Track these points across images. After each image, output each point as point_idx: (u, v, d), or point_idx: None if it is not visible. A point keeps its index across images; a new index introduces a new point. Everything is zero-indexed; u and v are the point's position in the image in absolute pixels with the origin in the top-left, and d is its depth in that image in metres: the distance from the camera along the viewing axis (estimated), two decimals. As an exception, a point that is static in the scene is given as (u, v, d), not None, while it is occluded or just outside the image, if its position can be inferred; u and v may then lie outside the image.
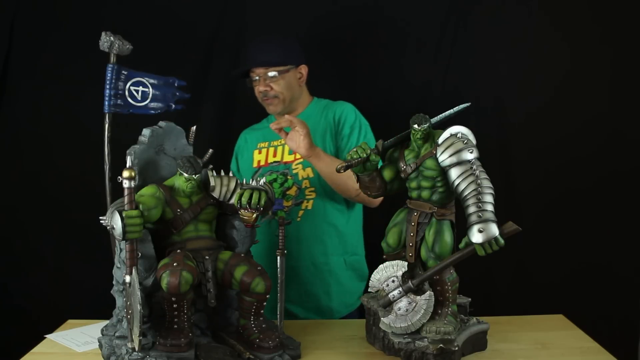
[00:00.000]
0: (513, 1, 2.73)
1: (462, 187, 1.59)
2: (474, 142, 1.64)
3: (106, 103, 2.08)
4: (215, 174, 1.80)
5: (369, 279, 1.78)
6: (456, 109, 1.80)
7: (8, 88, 2.83)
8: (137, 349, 1.61)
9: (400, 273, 1.72)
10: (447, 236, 1.69)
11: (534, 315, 2.08)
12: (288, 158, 2.32)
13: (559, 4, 2.71)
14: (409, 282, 1.69)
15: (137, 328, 1.58)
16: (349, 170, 2.16)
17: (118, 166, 1.74)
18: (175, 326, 1.66)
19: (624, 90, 2.70)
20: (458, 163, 1.61)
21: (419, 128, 1.69)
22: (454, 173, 1.62)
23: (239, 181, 1.79)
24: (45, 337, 1.98)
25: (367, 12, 2.81)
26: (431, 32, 2.78)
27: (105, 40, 2.06)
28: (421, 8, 2.77)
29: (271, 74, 2.31)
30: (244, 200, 1.69)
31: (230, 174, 1.81)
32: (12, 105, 2.84)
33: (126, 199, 1.60)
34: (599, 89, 2.72)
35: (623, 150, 2.70)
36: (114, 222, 1.59)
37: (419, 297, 1.69)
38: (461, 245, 1.60)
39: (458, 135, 1.64)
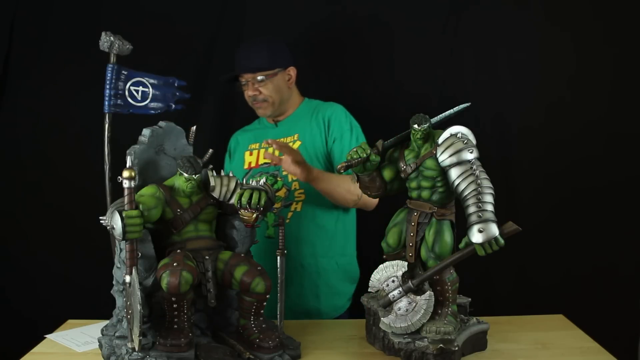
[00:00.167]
0: (513, 6, 2.73)
1: (462, 187, 1.59)
2: (474, 142, 1.64)
3: (106, 103, 2.08)
4: (215, 174, 1.80)
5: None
6: (456, 109, 1.80)
7: (8, 88, 2.83)
8: (137, 349, 1.61)
9: (400, 273, 1.72)
10: (447, 236, 1.69)
11: (534, 315, 2.08)
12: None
13: (560, 9, 2.71)
14: (409, 282, 1.69)
15: (137, 328, 1.58)
16: (348, 184, 2.19)
17: (118, 166, 1.74)
18: (175, 326, 1.66)
19: (625, 94, 2.71)
20: (458, 163, 1.61)
21: (419, 128, 1.69)
22: (454, 173, 1.62)
23: (239, 181, 1.79)
24: (45, 337, 1.98)
25: (367, 12, 2.81)
26: (430, 37, 2.77)
27: (105, 40, 2.06)
28: (421, 9, 2.77)
29: (259, 78, 2.32)
30: (244, 200, 1.69)
31: (230, 174, 1.81)
32: (12, 105, 2.84)
33: (126, 199, 1.60)
34: (599, 93, 2.72)
35: (622, 154, 2.71)
36: (114, 222, 1.59)
37: (419, 297, 1.69)
38: (461, 245, 1.60)
39: (458, 135, 1.64)
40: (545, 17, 2.72)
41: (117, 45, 2.06)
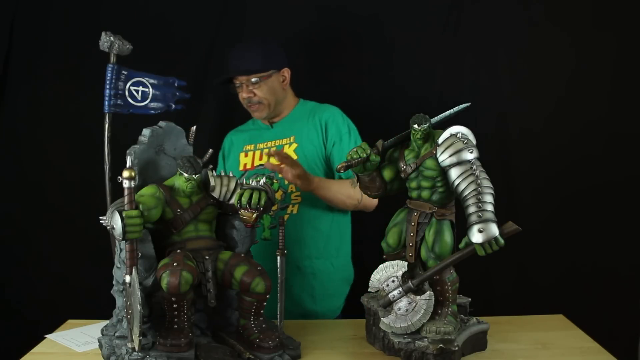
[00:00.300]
0: (513, 8, 2.73)
1: (462, 187, 1.59)
2: (474, 142, 1.64)
3: (106, 103, 2.08)
4: (215, 174, 1.80)
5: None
6: (456, 108, 1.80)
7: (8, 88, 2.83)
8: (137, 349, 1.61)
9: (400, 273, 1.72)
10: (447, 236, 1.69)
11: (534, 315, 2.08)
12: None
13: (560, 11, 2.71)
14: (409, 282, 1.69)
15: (137, 328, 1.58)
16: (348, 189, 2.21)
17: (118, 166, 1.74)
18: (175, 326, 1.66)
19: (624, 95, 2.71)
20: (458, 163, 1.61)
21: (419, 128, 1.69)
22: (454, 173, 1.62)
23: (239, 181, 1.79)
24: (45, 337, 1.98)
25: (366, 13, 2.81)
26: (429, 38, 2.78)
27: (105, 40, 2.06)
28: (420, 10, 2.77)
29: (253, 80, 2.31)
30: (244, 200, 1.69)
31: (230, 174, 1.81)
32: (12, 104, 2.84)
33: (126, 199, 1.60)
34: (599, 94, 2.72)
35: (622, 154, 2.71)
36: (114, 222, 1.59)
37: (419, 297, 1.69)
38: (461, 245, 1.60)
39: (458, 135, 1.64)
40: (545, 18, 2.73)
41: (117, 45, 2.06)
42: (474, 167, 1.60)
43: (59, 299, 2.79)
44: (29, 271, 2.88)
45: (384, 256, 1.81)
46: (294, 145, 2.35)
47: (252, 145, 2.42)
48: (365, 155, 1.73)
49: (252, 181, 1.78)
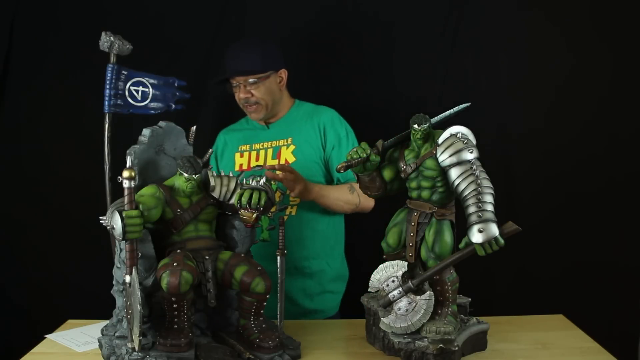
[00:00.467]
0: (513, 9, 2.73)
1: (462, 187, 1.59)
2: (474, 142, 1.64)
3: (106, 103, 2.08)
4: (215, 174, 1.80)
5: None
6: (456, 108, 1.80)
7: (8, 88, 2.83)
8: (137, 349, 1.61)
9: (400, 273, 1.72)
10: (447, 236, 1.69)
11: (534, 315, 2.08)
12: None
13: (559, 13, 2.71)
14: (409, 282, 1.69)
15: (137, 328, 1.58)
16: (347, 195, 2.23)
17: (118, 166, 1.74)
18: (175, 326, 1.66)
19: (623, 96, 2.71)
20: (458, 163, 1.61)
21: (419, 128, 1.69)
22: (454, 173, 1.62)
23: (238, 181, 1.79)
24: (45, 337, 1.98)
25: (366, 14, 2.81)
26: (429, 39, 2.78)
27: (105, 40, 2.06)
28: (420, 12, 2.77)
29: (251, 80, 2.29)
30: (244, 200, 1.69)
31: (230, 174, 1.81)
32: (12, 104, 2.84)
33: (126, 199, 1.60)
34: (598, 95, 2.73)
35: (622, 155, 2.71)
36: (114, 222, 1.59)
37: (419, 297, 1.69)
38: (461, 245, 1.60)
39: (458, 135, 1.64)
40: (545, 19, 2.73)
41: (117, 45, 2.06)
42: (474, 167, 1.60)
43: (59, 299, 2.79)
44: (29, 271, 2.88)
45: (384, 256, 1.81)
46: (292, 147, 2.34)
47: (248, 146, 2.40)
48: (365, 155, 1.73)
49: (252, 181, 1.78)
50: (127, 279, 1.61)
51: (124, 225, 1.56)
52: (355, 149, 1.75)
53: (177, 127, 1.86)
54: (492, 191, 1.58)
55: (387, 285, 1.72)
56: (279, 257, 1.86)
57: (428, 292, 1.68)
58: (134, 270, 1.61)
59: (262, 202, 1.70)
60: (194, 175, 1.72)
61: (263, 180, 1.79)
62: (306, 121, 2.39)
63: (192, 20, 2.82)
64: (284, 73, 2.39)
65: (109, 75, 2.06)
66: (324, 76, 2.81)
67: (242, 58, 2.31)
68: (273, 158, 2.33)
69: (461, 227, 1.63)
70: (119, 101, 2.09)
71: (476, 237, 1.54)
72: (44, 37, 2.80)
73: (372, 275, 1.76)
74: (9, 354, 2.00)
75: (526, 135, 2.77)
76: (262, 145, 2.37)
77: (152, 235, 1.72)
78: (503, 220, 1.57)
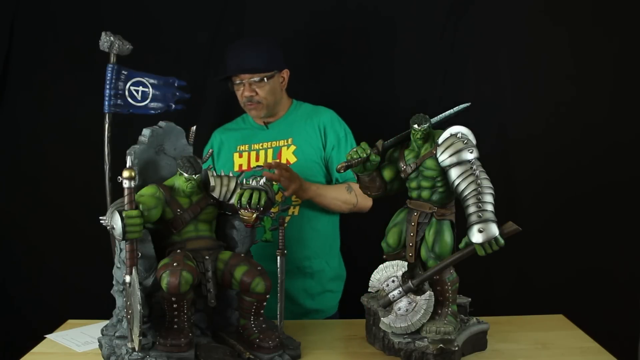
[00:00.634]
0: (513, 11, 2.73)
1: (462, 187, 1.59)
2: (474, 142, 1.64)
3: (106, 103, 2.08)
4: (215, 174, 1.80)
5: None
6: (456, 108, 1.80)
7: (8, 88, 2.83)
8: (137, 349, 1.61)
9: (400, 273, 1.72)
10: (447, 236, 1.69)
11: (534, 315, 2.08)
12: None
13: (560, 15, 2.71)
14: (409, 282, 1.69)
15: (137, 328, 1.58)
16: (345, 195, 2.24)
17: (118, 166, 1.74)
18: (175, 326, 1.66)
19: (625, 97, 2.71)
20: (458, 163, 1.61)
21: (419, 128, 1.69)
22: (454, 173, 1.62)
23: (239, 181, 1.79)
24: (45, 337, 1.98)
25: (366, 14, 2.81)
26: (430, 39, 2.78)
27: (105, 40, 2.06)
28: (419, 13, 2.77)
29: (256, 79, 2.28)
30: (244, 200, 1.69)
31: (230, 174, 1.81)
32: (12, 104, 2.84)
33: (126, 199, 1.60)
34: (599, 98, 2.73)
35: (622, 157, 2.71)
36: (114, 222, 1.59)
37: (419, 297, 1.69)
38: (461, 245, 1.60)
39: (458, 135, 1.64)
40: (546, 21, 2.73)
41: (117, 45, 2.06)
42: (474, 167, 1.60)
43: (59, 299, 2.79)
44: (29, 271, 2.88)
45: (384, 256, 1.81)
46: (293, 148, 2.34)
47: (247, 146, 2.39)
48: (365, 155, 1.73)
49: (252, 181, 1.78)
50: (127, 279, 1.61)
51: (124, 225, 1.56)
52: (355, 149, 1.75)
53: (177, 127, 1.86)
54: (492, 191, 1.58)
55: (387, 285, 1.72)
56: (278, 257, 1.86)
57: (428, 292, 1.68)
58: (134, 270, 1.61)
59: (262, 202, 1.70)
60: (194, 175, 1.72)
61: (263, 180, 1.79)
62: (306, 121, 2.39)
63: (192, 20, 2.82)
64: (285, 73, 2.39)
65: (109, 75, 2.06)
66: (324, 76, 2.81)
67: (248, 56, 2.30)
68: (274, 159, 2.32)
69: (461, 227, 1.63)
70: (119, 101, 2.09)
71: (476, 237, 1.54)
72: (44, 37, 2.80)
73: (372, 275, 1.76)
74: (9, 354, 2.00)
75: (527, 137, 2.77)
76: (262, 146, 2.37)
77: (152, 235, 1.72)
78: (503, 220, 1.57)
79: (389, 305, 1.71)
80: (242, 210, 1.70)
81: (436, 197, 1.71)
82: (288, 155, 2.33)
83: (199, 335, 1.75)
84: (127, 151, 1.75)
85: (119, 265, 1.74)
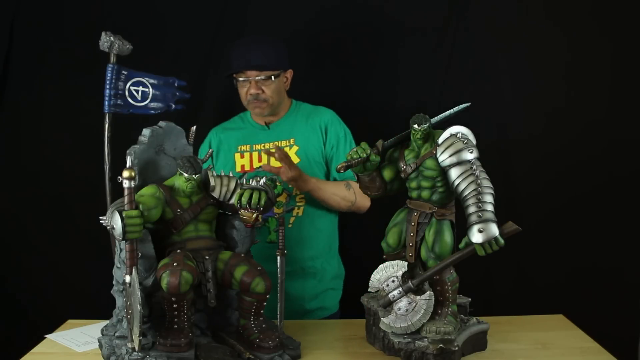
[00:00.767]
0: (512, 9, 2.73)
1: (462, 187, 1.59)
2: (474, 142, 1.64)
3: (106, 103, 2.08)
4: (215, 174, 1.80)
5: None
6: (456, 108, 1.80)
7: (8, 88, 2.83)
8: (137, 349, 1.61)
9: (400, 273, 1.72)
10: (447, 236, 1.69)
11: (534, 315, 2.08)
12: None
13: (559, 11, 2.72)
14: (409, 282, 1.69)
15: (137, 328, 1.58)
16: (344, 191, 2.23)
17: (118, 166, 1.74)
18: (175, 326, 1.66)
19: (623, 96, 2.71)
20: (458, 163, 1.61)
21: (419, 128, 1.69)
22: (454, 173, 1.62)
23: (239, 181, 1.79)
24: (45, 337, 1.98)
25: (366, 14, 2.81)
26: (430, 39, 2.78)
27: (105, 40, 2.06)
28: (420, 13, 2.77)
29: (263, 77, 2.27)
30: (244, 200, 1.69)
31: (230, 174, 1.81)
32: (12, 104, 2.84)
33: (126, 199, 1.60)
34: (599, 95, 2.73)
35: (622, 155, 2.72)
36: (114, 222, 1.59)
37: (419, 297, 1.69)
38: (461, 245, 1.60)
39: (458, 135, 1.64)
40: (545, 21, 2.73)
41: (117, 45, 2.06)
42: (474, 167, 1.60)
43: (59, 299, 2.79)
44: (29, 271, 2.88)
45: (384, 256, 1.81)
46: (295, 148, 2.34)
47: (248, 146, 2.37)
48: (365, 155, 1.73)
49: (252, 181, 1.78)
50: (127, 279, 1.61)
51: (124, 225, 1.56)
52: (355, 149, 1.75)
53: (177, 127, 1.86)
54: (492, 191, 1.58)
55: (387, 285, 1.72)
56: (278, 257, 1.86)
57: (428, 292, 1.68)
58: (134, 270, 1.61)
59: (262, 202, 1.70)
60: (194, 175, 1.72)
61: (263, 180, 1.79)
62: (307, 121, 2.39)
63: (192, 20, 2.82)
64: (289, 74, 2.39)
65: (109, 75, 2.06)
66: (324, 77, 2.82)
67: (257, 53, 2.28)
68: (276, 160, 2.31)
69: (461, 227, 1.63)
70: (119, 101, 2.09)
71: (476, 237, 1.54)
72: (44, 37, 2.80)
73: (372, 275, 1.76)
74: (9, 354, 2.00)
75: (526, 137, 2.77)
76: (264, 146, 2.36)
77: (152, 235, 1.72)
78: (503, 220, 1.57)
79: (389, 305, 1.71)
80: (242, 210, 1.71)
81: (436, 197, 1.71)
82: (291, 156, 2.31)
83: (199, 335, 1.75)
84: (127, 151, 1.75)
85: (119, 265, 1.74)
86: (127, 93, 2.11)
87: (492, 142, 2.72)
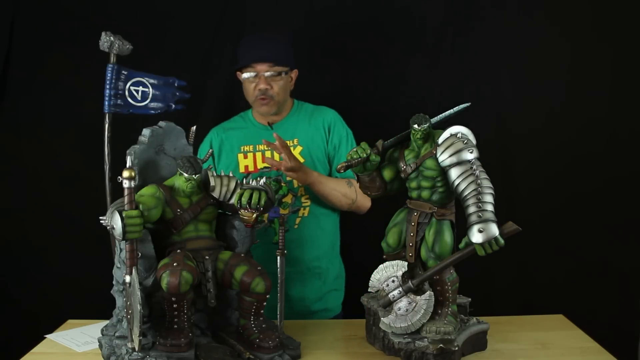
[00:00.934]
0: (513, 9, 2.74)
1: (462, 187, 1.59)
2: (474, 142, 1.64)
3: (106, 103, 2.08)
4: (215, 174, 1.80)
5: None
6: (456, 108, 1.80)
7: (8, 88, 2.84)
8: (137, 349, 1.61)
9: (400, 273, 1.72)
10: (447, 236, 1.69)
11: (534, 315, 2.09)
12: (278, 158, 2.24)
13: (559, 11, 2.72)
14: (409, 282, 1.69)
15: (137, 328, 1.58)
16: (345, 188, 2.22)
17: (118, 166, 1.74)
18: (175, 326, 1.66)
19: (624, 94, 2.72)
20: (458, 163, 1.61)
21: (419, 128, 1.69)
22: (454, 173, 1.62)
23: (239, 181, 1.79)
24: (45, 337, 1.98)
25: (366, 15, 2.81)
26: (430, 39, 2.78)
27: (105, 40, 2.06)
28: (421, 12, 2.77)
29: (273, 73, 2.25)
30: (244, 200, 1.69)
31: (230, 174, 1.81)
32: (12, 105, 2.84)
33: (126, 199, 1.60)
34: (599, 93, 2.73)
35: (622, 154, 2.72)
36: (114, 222, 1.59)
37: (419, 297, 1.69)
38: (461, 245, 1.60)
39: (458, 135, 1.64)
40: (545, 18, 2.73)
41: (117, 45, 2.06)
42: (474, 167, 1.60)
43: (59, 299, 2.79)
44: (29, 271, 2.88)
45: (384, 256, 1.81)
46: (299, 148, 2.34)
47: (251, 146, 2.36)
48: (365, 155, 1.73)
49: (252, 181, 1.78)
50: (127, 279, 1.61)
51: (124, 225, 1.56)
52: (355, 149, 1.75)
53: (177, 127, 1.86)
54: (492, 191, 1.58)
55: (387, 285, 1.72)
56: (278, 257, 1.86)
57: (428, 292, 1.68)
58: (134, 270, 1.61)
59: (262, 202, 1.70)
60: (194, 175, 1.72)
61: (263, 180, 1.79)
62: (309, 121, 2.38)
63: (192, 20, 2.82)
64: (294, 73, 2.38)
65: (109, 75, 2.06)
66: (323, 77, 2.81)
67: (268, 47, 2.27)
68: (280, 160, 2.28)
69: (461, 227, 1.63)
70: (119, 101, 2.09)
71: (476, 237, 1.54)
72: (44, 37, 2.80)
73: (372, 275, 1.76)
74: (9, 354, 2.00)
75: (526, 135, 2.78)
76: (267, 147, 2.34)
77: (152, 235, 1.72)
78: (503, 220, 1.57)
79: (389, 305, 1.71)
80: (242, 210, 1.71)
81: (436, 197, 1.71)
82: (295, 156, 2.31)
83: (199, 335, 1.75)
84: (127, 151, 1.75)
85: (119, 265, 1.74)
86: (127, 93, 2.10)
87: (492, 141, 2.72)
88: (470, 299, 1.84)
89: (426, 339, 1.66)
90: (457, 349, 1.64)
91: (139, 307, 1.56)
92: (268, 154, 2.32)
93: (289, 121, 2.40)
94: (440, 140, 1.66)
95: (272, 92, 2.28)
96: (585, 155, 2.73)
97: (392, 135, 1.80)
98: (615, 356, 1.72)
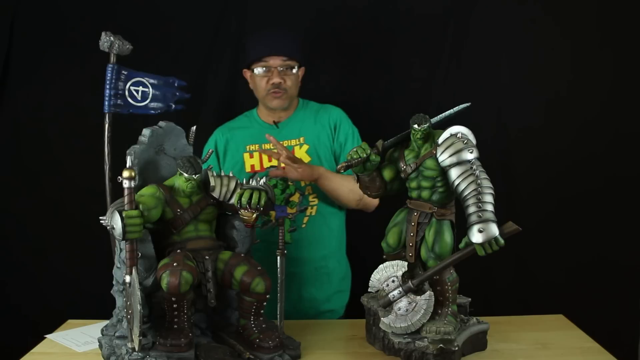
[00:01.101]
0: (513, 8, 2.73)
1: (462, 187, 1.59)
2: (474, 142, 1.64)
3: (106, 103, 2.08)
4: (215, 174, 1.80)
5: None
6: (456, 108, 1.80)
7: (8, 88, 2.83)
8: (137, 349, 1.61)
9: (400, 273, 1.72)
10: (447, 236, 1.69)
11: (534, 315, 2.09)
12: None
13: (560, 10, 2.71)
14: (409, 282, 1.69)
15: (137, 328, 1.58)
16: (352, 184, 2.20)
17: (118, 166, 1.74)
18: (175, 326, 1.66)
19: (624, 94, 2.71)
20: (458, 163, 1.61)
21: (419, 128, 1.69)
22: (454, 173, 1.62)
23: (239, 181, 1.79)
24: (45, 337, 1.98)
25: (366, 14, 2.81)
26: (430, 38, 2.78)
27: (105, 40, 2.06)
28: (421, 11, 2.77)
29: (287, 67, 2.26)
30: (244, 200, 1.69)
31: (230, 174, 1.81)
32: (12, 105, 2.84)
33: (126, 199, 1.60)
34: (599, 93, 2.73)
35: (622, 153, 2.71)
36: (114, 222, 1.59)
37: (419, 297, 1.69)
38: (461, 245, 1.60)
39: (458, 135, 1.64)
40: (545, 16, 2.73)
41: (117, 45, 2.06)
42: (474, 167, 1.60)
43: (59, 299, 2.79)
44: (29, 271, 2.87)
45: (384, 256, 1.81)
46: (305, 147, 2.33)
47: (257, 146, 2.34)
48: (365, 155, 1.73)
49: (252, 181, 1.78)
50: (127, 279, 1.61)
51: (124, 225, 1.56)
52: (355, 149, 1.74)
53: (177, 127, 1.85)
54: (492, 191, 1.58)
55: (387, 285, 1.72)
56: (278, 257, 1.86)
57: (428, 292, 1.68)
58: (134, 270, 1.61)
59: (262, 202, 1.70)
60: (194, 175, 1.72)
61: (263, 180, 1.79)
62: (315, 119, 2.38)
63: (192, 20, 2.82)
64: (302, 71, 2.38)
65: (109, 75, 2.06)
66: (324, 76, 2.81)
67: (283, 41, 2.27)
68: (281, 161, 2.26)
69: (461, 227, 1.63)
70: (119, 101, 2.09)
71: (476, 237, 1.54)
72: (44, 37, 2.80)
73: (372, 275, 1.76)
74: (9, 354, 2.00)
75: (526, 135, 2.77)
76: (272, 145, 2.28)
77: (152, 235, 1.72)
78: (503, 220, 1.57)
79: (389, 305, 1.71)
80: (242, 210, 1.71)
81: (436, 197, 1.71)
82: (301, 155, 2.31)
83: (199, 335, 1.75)
84: (127, 151, 1.75)
85: (119, 265, 1.74)
86: (127, 93, 2.10)
87: (492, 141, 2.72)
88: (470, 299, 1.84)
89: (426, 339, 1.66)
90: (457, 349, 1.64)
91: (139, 307, 1.56)
92: (271, 150, 2.31)
93: (295, 120, 2.39)
94: (440, 140, 1.66)
95: (285, 85, 2.27)
96: (586, 155, 2.73)
97: (392, 135, 1.80)
98: (615, 356, 1.72)
